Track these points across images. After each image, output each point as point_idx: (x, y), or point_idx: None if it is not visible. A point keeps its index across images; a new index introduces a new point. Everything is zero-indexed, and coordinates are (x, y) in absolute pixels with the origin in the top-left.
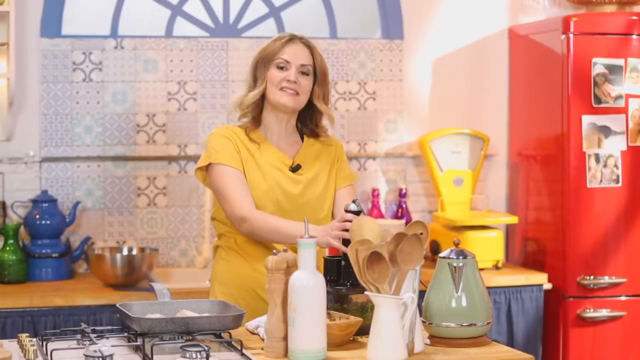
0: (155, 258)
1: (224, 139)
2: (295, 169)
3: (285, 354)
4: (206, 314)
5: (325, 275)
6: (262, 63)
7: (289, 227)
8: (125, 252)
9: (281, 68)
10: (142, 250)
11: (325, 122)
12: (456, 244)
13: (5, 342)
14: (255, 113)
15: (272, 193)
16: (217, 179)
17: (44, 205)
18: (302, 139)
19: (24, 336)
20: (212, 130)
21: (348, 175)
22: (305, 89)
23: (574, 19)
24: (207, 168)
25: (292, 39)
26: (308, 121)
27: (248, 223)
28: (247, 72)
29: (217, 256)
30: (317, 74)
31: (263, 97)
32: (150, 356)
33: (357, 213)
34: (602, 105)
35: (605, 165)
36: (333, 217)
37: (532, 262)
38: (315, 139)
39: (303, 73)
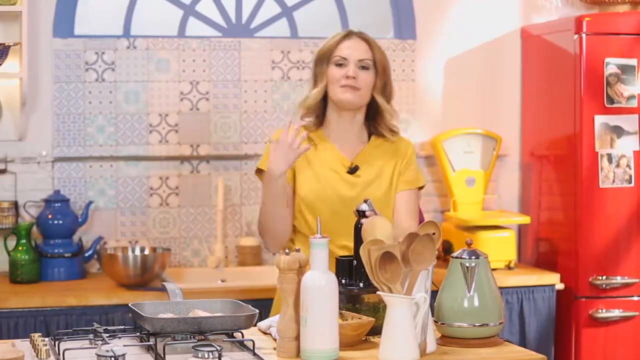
0: (167, 258)
1: None
2: (352, 170)
3: (298, 354)
4: (218, 314)
5: (337, 275)
6: (321, 61)
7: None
8: (137, 252)
9: (340, 65)
10: (154, 250)
11: (390, 119)
12: (468, 244)
13: (17, 341)
14: (318, 112)
15: (325, 197)
16: (263, 186)
17: (56, 205)
18: (370, 138)
19: (36, 336)
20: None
21: (411, 179)
22: (365, 83)
23: (586, 19)
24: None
25: (349, 34)
26: (376, 119)
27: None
28: (310, 71)
29: None
30: (377, 68)
31: (326, 96)
32: (162, 356)
33: (365, 214)
34: (615, 105)
35: (617, 166)
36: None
37: (544, 262)
38: (384, 139)
39: (362, 67)
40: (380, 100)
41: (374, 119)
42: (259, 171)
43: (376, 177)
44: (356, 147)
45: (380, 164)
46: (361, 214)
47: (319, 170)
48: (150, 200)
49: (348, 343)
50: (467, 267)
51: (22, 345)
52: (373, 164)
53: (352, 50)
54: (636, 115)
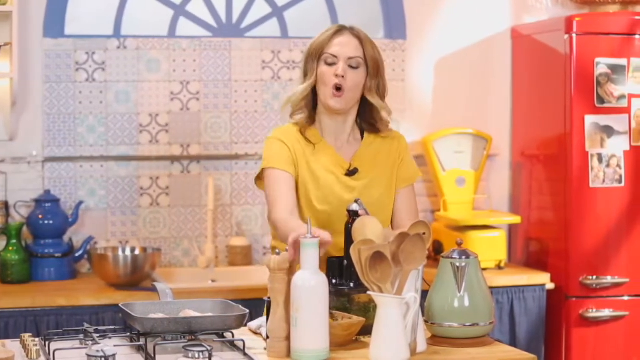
0: (158, 258)
1: (278, 142)
2: (351, 173)
3: (288, 353)
4: (209, 314)
5: (327, 275)
6: (311, 57)
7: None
8: (128, 252)
9: (330, 64)
10: (144, 250)
11: (386, 115)
12: (459, 244)
13: (8, 342)
14: (309, 109)
15: (323, 199)
16: (267, 183)
17: (46, 205)
18: (363, 135)
19: (26, 336)
20: (268, 135)
21: (409, 175)
22: (354, 83)
23: (576, 18)
24: (263, 174)
25: (340, 30)
26: (367, 116)
27: (277, 227)
28: (301, 66)
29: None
30: (369, 66)
31: (316, 94)
32: (152, 356)
33: (357, 214)
34: (605, 105)
35: (608, 165)
36: (392, 220)
37: (534, 262)
38: (376, 135)
39: (352, 67)
40: (373, 99)
41: (367, 115)
42: (259, 177)
43: (374, 180)
44: (352, 146)
45: (378, 165)
46: (352, 214)
47: (317, 172)
48: (141, 200)
49: (339, 343)
50: (458, 267)
51: (12, 345)
52: (371, 165)
53: (343, 47)
54: (626, 115)
